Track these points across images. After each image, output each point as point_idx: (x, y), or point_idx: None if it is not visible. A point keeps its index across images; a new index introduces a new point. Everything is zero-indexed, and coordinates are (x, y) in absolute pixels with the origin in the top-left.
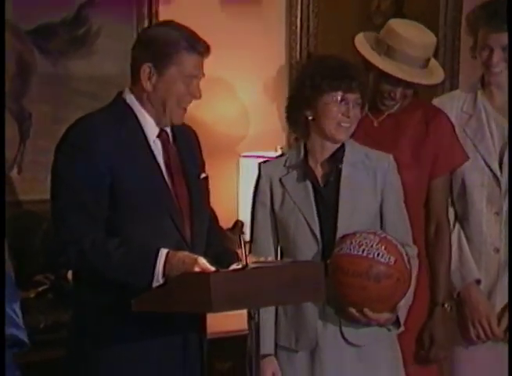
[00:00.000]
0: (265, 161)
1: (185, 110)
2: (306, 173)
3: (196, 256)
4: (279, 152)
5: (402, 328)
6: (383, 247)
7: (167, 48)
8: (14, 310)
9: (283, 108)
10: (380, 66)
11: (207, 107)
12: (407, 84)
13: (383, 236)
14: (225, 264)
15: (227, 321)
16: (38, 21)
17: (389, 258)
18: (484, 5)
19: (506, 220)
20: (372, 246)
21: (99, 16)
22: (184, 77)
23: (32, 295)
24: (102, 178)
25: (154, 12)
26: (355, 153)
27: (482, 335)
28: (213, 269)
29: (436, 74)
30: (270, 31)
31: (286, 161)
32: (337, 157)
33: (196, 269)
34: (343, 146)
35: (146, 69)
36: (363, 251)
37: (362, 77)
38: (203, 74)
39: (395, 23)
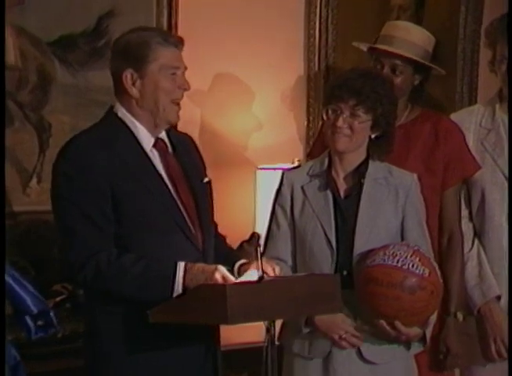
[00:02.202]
0: (288, 169)
1: (178, 105)
2: (328, 183)
3: (215, 265)
4: (296, 164)
5: (424, 347)
6: (417, 259)
7: (141, 49)
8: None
9: (301, 120)
10: (369, 45)
11: (225, 119)
12: (393, 67)
13: (416, 248)
14: (230, 263)
15: (243, 333)
16: (59, 33)
17: (423, 270)
18: (502, 18)
19: None
20: (406, 257)
21: (118, 27)
22: (166, 72)
23: (50, 305)
24: (104, 193)
25: (174, 24)
26: (379, 168)
27: (503, 352)
28: (232, 278)
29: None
30: (289, 43)
31: (309, 170)
32: (361, 171)
33: (217, 276)
34: (367, 161)
35: (127, 75)
36: (398, 262)
37: (369, 90)
38: (185, 67)
39: (396, 21)
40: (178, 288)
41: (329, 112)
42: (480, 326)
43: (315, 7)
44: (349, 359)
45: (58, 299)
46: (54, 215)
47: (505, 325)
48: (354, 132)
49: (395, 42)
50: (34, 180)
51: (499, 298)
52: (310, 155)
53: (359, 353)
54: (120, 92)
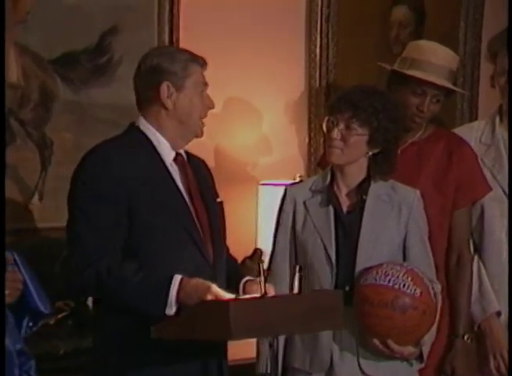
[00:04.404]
0: (291, 184)
1: (203, 122)
2: (330, 198)
3: (209, 284)
4: (298, 180)
5: (423, 364)
6: (409, 279)
7: (175, 64)
8: None
9: (302, 136)
10: (406, 72)
11: (227, 134)
12: (434, 97)
13: (409, 268)
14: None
15: (243, 348)
16: (61, 50)
17: (415, 290)
18: (504, 31)
19: None
20: (398, 277)
21: (120, 44)
22: (198, 89)
23: (52, 322)
24: (119, 203)
25: (175, 40)
26: (382, 185)
27: (502, 368)
28: (227, 295)
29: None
30: (290, 60)
31: (312, 185)
32: (363, 187)
33: (209, 297)
34: (369, 177)
35: (164, 87)
36: (389, 282)
37: (367, 104)
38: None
39: (417, 41)
40: (172, 304)
41: (329, 124)
42: (479, 342)
43: (316, 23)
44: (352, 373)
45: (60, 316)
46: (67, 221)
47: (505, 341)
48: (347, 145)
49: (436, 70)
50: (36, 197)
51: (499, 313)
52: (320, 164)
53: (360, 368)
54: (149, 104)
